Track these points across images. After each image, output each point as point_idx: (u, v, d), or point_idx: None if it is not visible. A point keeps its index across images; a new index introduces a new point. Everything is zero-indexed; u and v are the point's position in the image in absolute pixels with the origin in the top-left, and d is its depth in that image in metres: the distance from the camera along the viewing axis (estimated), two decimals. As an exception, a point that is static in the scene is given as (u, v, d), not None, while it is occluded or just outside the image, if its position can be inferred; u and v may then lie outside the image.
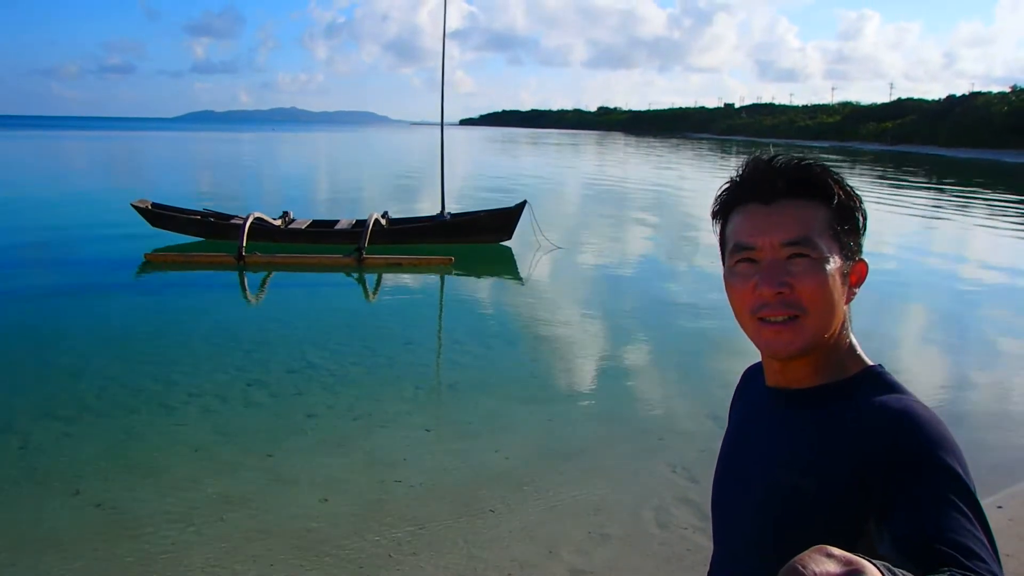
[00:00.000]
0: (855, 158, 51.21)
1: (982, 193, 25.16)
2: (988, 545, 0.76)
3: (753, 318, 0.92)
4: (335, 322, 7.82)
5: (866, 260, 0.95)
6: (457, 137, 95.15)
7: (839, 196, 0.92)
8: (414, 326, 7.87)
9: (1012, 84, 72.83)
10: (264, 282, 10.02)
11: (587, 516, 3.84)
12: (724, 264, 0.99)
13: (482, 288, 10.16)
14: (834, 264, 0.90)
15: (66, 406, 5.18)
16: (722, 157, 50.15)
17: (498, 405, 5.41)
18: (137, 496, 3.97)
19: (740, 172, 0.97)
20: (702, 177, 31.15)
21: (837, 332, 0.93)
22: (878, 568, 0.61)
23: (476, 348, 6.91)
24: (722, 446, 1.08)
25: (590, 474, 4.33)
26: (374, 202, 17.10)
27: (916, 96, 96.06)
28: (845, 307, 0.93)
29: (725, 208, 0.99)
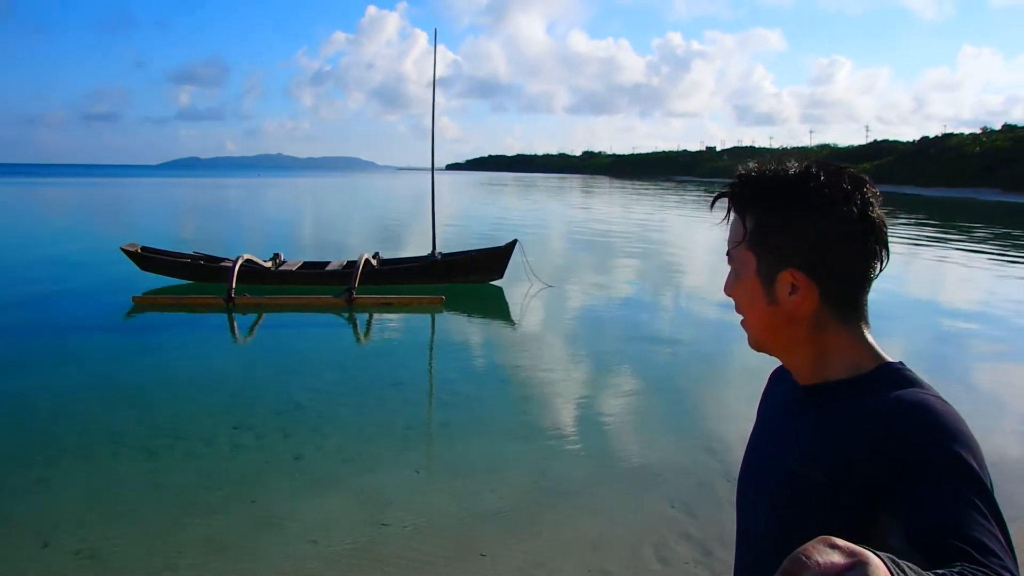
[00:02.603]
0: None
1: (969, 229, 25.56)
2: (1003, 542, 0.74)
3: None
4: (324, 363, 7.70)
5: (794, 268, 0.93)
6: (444, 181, 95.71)
7: (758, 210, 0.95)
8: (404, 366, 7.77)
9: (982, 126, 75.10)
10: (253, 324, 9.91)
11: (586, 554, 3.72)
12: None
13: (473, 327, 10.09)
14: (747, 274, 0.97)
15: (43, 451, 5.02)
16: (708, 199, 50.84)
17: (490, 444, 5.30)
18: (117, 543, 3.82)
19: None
20: (690, 219, 31.50)
21: (805, 334, 0.95)
22: (883, 559, 0.60)
23: (467, 388, 6.81)
24: (747, 446, 1.10)
25: (586, 511, 4.22)
26: (363, 244, 17.10)
27: (891, 138, 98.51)
28: (815, 309, 0.93)
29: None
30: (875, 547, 0.64)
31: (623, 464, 4.96)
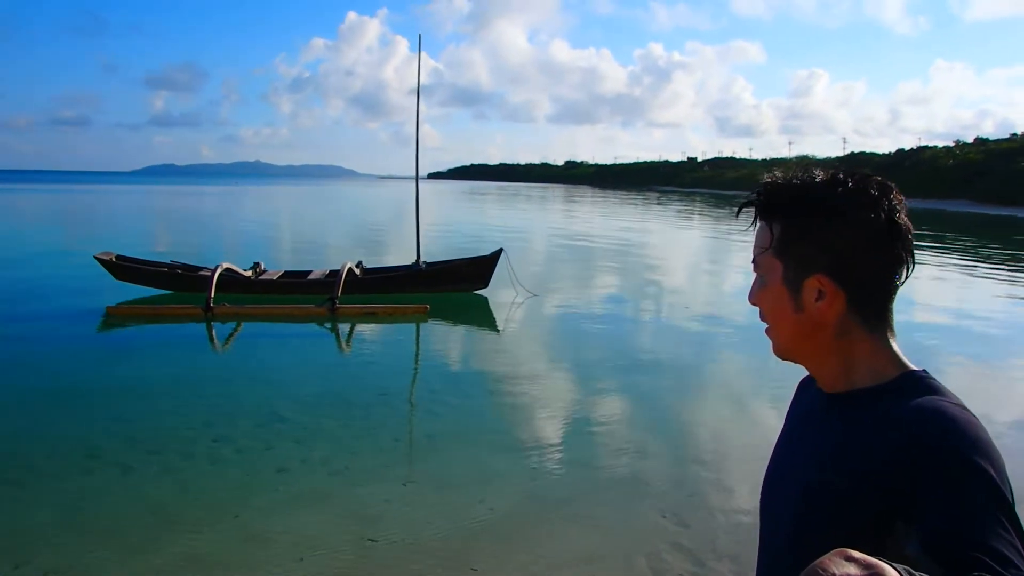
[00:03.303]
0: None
1: (943, 238, 25.94)
2: (1022, 552, 0.73)
3: None
4: (307, 374, 7.55)
5: (821, 274, 0.93)
6: (427, 190, 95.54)
7: (786, 216, 0.96)
8: (389, 377, 7.65)
9: (956, 139, 76.56)
10: (233, 333, 9.73)
11: (579, 567, 3.65)
12: None
13: (459, 337, 9.99)
14: (774, 281, 0.97)
15: (13, 467, 4.84)
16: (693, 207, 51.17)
17: (478, 456, 5.21)
18: (93, 562, 3.67)
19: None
20: (672, 227, 31.67)
21: (830, 341, 0.95)
22: (898, 571, 0.61)
23: (453, 399, 6.71)
24: (772, 452, 1.10)
25: (578, 523, 4.14)
26: (344, 254, 16.92)
27: (868, 150, 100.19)
28: (841, 316, 0.94)
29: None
30: (890, 556, 0.64)
31: (612, 474, 4.90)
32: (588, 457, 5.20)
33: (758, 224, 1.01)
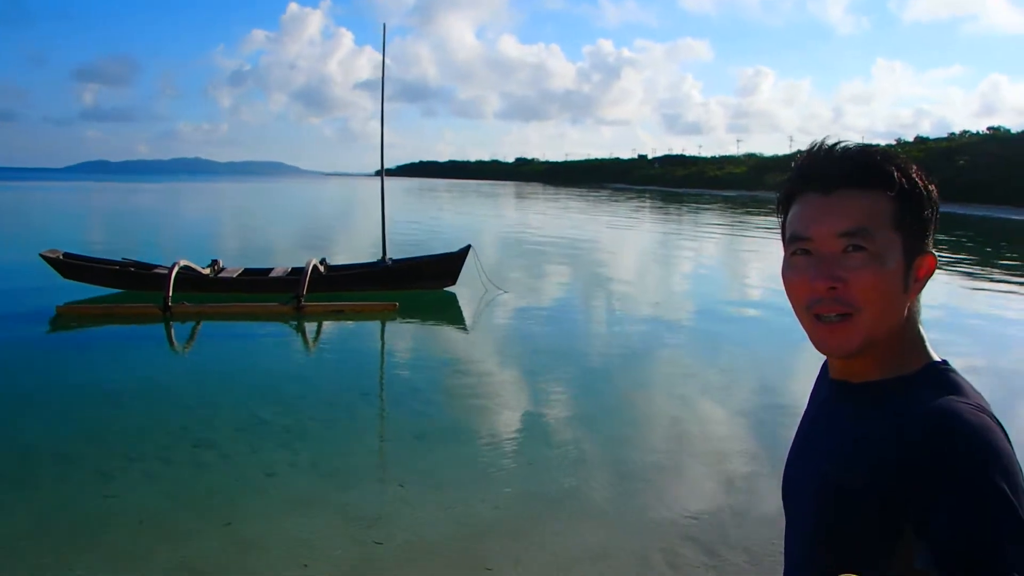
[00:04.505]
0: (763, 206, 54.15)
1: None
2: None
3: (808, 313, 0.89)
4: (282, 374, 7.31)
5: (934, 253, 0.90)
6: (375, 187, 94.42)
7: (902, 184, 0.87)
8: (367, 376, 7.49)
9: (896, 138, 79.55)
10: (194, 333, 9.37)
11: (596, 563, 3.60)
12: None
13: (432, 334, 9.84)
14: (893, 258, 0.87)
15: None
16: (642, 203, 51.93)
17: (472, 453, 5.11)
18: (80, 574, 3.43)
19: (800, 160, 0.93)
20: (634, 221, 32.05)
21: (897, 327, 0.89)
22: None
23: (437, 396, 6.60)
24: (795, 434, 1.05)
25: (586, 518, 4.10)
26: (302, 250, 16.52)
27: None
28: (911, 300, 0.90)
29: (787, 198, 0.94)
30: (900, 565, 0.65)
31: (611, 467, 4.87)
32: (582, 450, 5.16)
33: (841, 191, 0.88)
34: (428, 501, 4.32)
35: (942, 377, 0.87)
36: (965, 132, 75.14)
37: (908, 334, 0.90)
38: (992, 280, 15.11)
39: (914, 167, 0.90)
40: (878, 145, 0.93)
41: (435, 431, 5.59)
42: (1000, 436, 0.79)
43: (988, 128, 71.50)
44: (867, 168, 0.88)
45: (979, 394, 0.86)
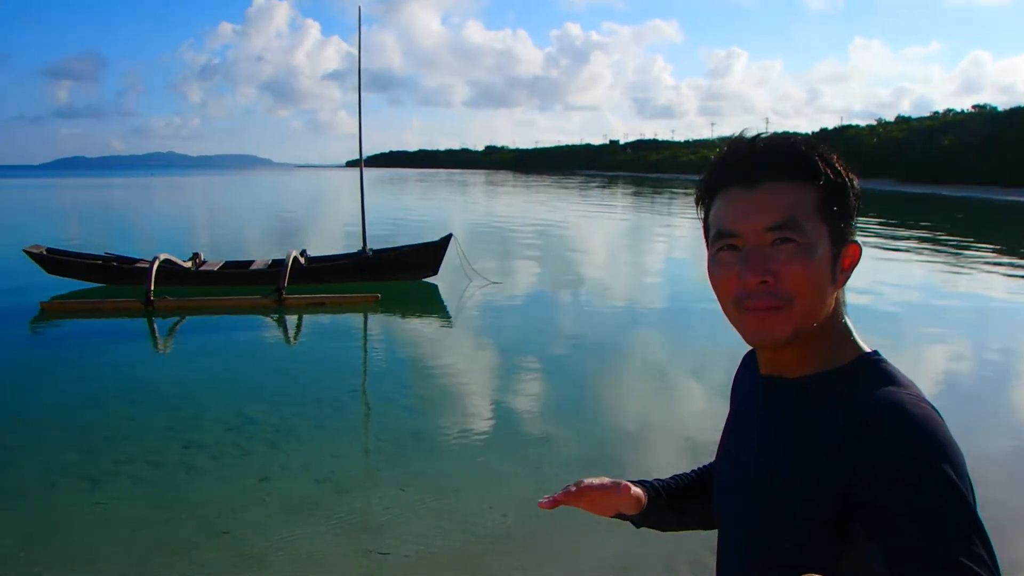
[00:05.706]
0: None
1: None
2: (989, 561, 0.70)
3: (737, 308, 0.87)
4: (266, 370, 7.14)
5: (859, 242, 0.89)
6: (347, 179, 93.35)
7: (827, 175, 0.86)
8: (352, 371, 7.34)
9: (877, 118, 79.20)
10: (175, 328, 9.16)
11: (616, 575, 3.48)
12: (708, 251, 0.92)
13: (415, 326, 9.69)
14: (822, 248, 0.85)
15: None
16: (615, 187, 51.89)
17: (473, 454, 4.99)
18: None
19: (720, 154, 0.92)
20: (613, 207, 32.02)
21: (827, 318, 0.88)
22: None
23: (429, 392, 6.47)
24: (722, 434, 1.04)
25: (601, 525, 3.95)
26: (280, 241, 16.21)
27: (789, 130, 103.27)
28: (839, 291, 0.89)
29: (708, 192, 0.92)
30: (850, 562, 0.65)
31: (620, 468, 4.67)
32: (585, 450, 5.04)
33: (771, 185, 0.85)
34: (431, 507, 4.19)
35: (877, 368, 0.86)
36: (950, 111, 74.75)
37: (837, 326, 0.89)
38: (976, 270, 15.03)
39: (835, 156, 0.89)
40: (798, 134, 0.91)
41: (430, 430, 5.46)
42: (942, 425, 0.79)
43: (973, 106, 70.69)
44: (792, 160, 0.87)
45: (913, 383, 0.84)
